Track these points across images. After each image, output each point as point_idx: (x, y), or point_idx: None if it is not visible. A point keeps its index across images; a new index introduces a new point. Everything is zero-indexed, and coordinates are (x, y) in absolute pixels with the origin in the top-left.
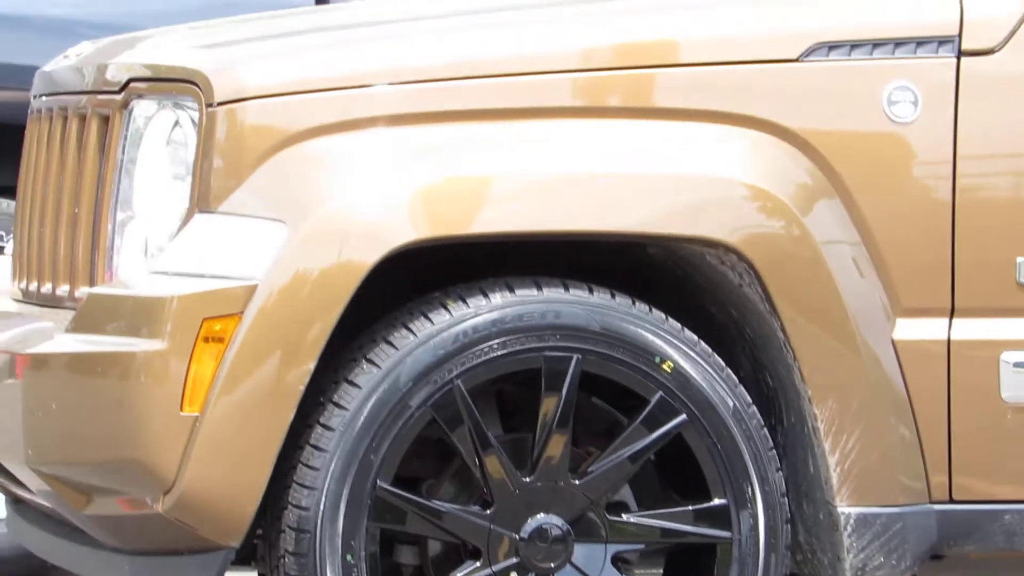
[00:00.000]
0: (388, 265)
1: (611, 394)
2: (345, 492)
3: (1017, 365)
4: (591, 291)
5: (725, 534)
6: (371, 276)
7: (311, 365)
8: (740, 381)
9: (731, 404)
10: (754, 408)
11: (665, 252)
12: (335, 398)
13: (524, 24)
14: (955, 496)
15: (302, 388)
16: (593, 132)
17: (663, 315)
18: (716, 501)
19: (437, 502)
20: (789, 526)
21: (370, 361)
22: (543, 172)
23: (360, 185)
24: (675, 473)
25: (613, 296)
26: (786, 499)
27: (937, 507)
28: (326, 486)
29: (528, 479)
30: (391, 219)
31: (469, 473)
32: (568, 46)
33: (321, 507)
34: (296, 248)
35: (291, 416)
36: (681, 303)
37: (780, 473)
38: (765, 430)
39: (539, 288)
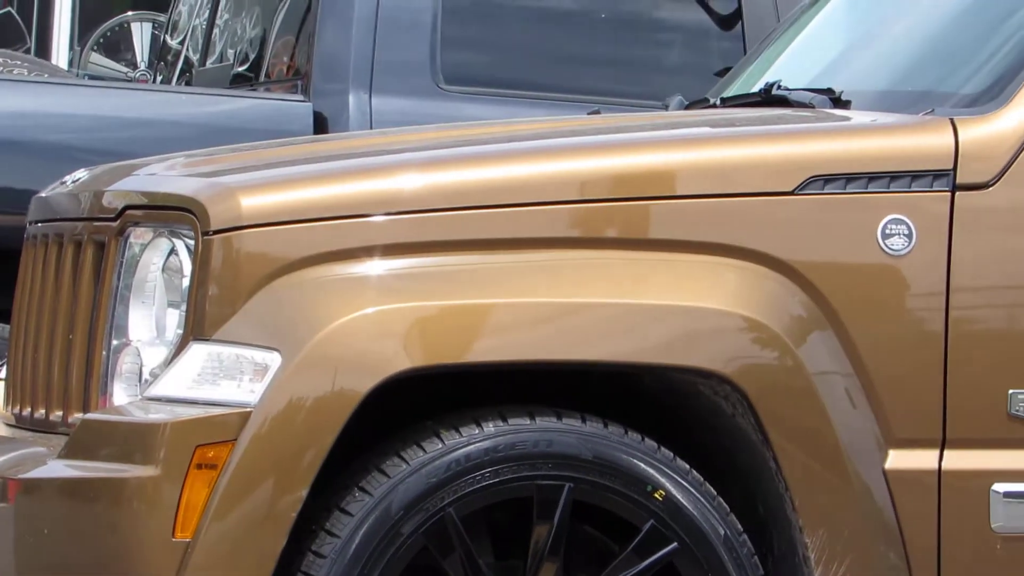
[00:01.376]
0: (382, 392)
1: (603, 522)
2: None
3: (1008, 495)
4: (584, 420)
5: None
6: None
7: (304, 492)
8: (731, 509)
9: (722, 532)
10: (745, 536)
11: (659, 381)
12: (327, 526)
13: (519, 155)
14: None
15: (295, 515)
16: (588, 262)
17: (655, 444)
18: None
19: None
20: None
21: (362, 489)
22: (538, 301)
23: (355, 313)
24: None
25: (606, 425)
26: None
27: None
28: None
29: None
30: (385, 347)
31: None
32: (564, 176)
33: None
34: (290, 376)
35: (283, 542)
36: (674, 432)
37: None
38: (756, 558)
39: (532, 417)
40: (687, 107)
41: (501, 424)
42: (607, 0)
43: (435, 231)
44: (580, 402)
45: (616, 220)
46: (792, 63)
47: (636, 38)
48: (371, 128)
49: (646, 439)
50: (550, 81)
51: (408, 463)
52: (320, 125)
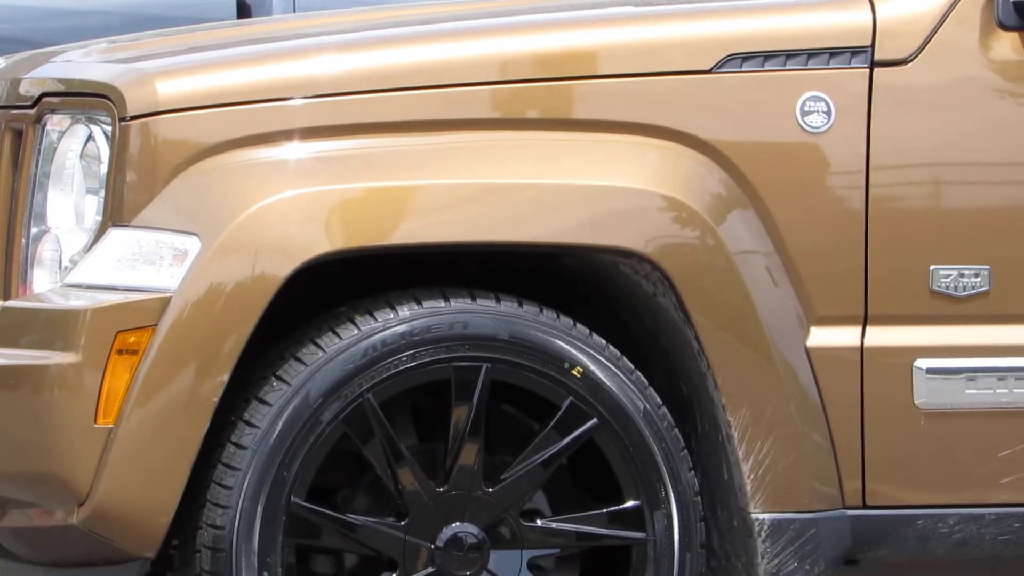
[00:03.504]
0: (307, 278)
1: (526, 401)
2: (259, 509)
3: (930, 372)
4: (498, 300)
5: (639, 535)
6: (290, 290)
7: (225, 377)
8: (656, 391)
9: (641, 406)
10: (664, 409)
11: (580, 262)
12: (246, 416)
13: (439, 36)
14: (869, 501)
15: (216, 400)
16: (509, 143)
17: (571, 321)
18: (629, 503)
19: (351, 515)
20: (703, 524)
21: (280, 378)
22: (458, 183)
23: (273, 197)
24: (590, 477)
25: (520, 304)
26: (699, 498)
27: (851, 512)
28: (240, 504)
29: (442, 489)
30: (305, 231)
31: (385, 484)
32: (484, 58)
33: (236, 525)
34: (209, 260)
35: (205, 428)
36: (596, 313)
37: (693, 473)
38: (676, 431)
39: (446, 299)
40: None
41: (416, 307)
42: None
43: (354, 114)
44: (502, 285)
45: (536, 101)
46: None
47: None
48: (294, 13)
49: (562, 316)
50: None
51: (324, 350)
52: (244, 11)
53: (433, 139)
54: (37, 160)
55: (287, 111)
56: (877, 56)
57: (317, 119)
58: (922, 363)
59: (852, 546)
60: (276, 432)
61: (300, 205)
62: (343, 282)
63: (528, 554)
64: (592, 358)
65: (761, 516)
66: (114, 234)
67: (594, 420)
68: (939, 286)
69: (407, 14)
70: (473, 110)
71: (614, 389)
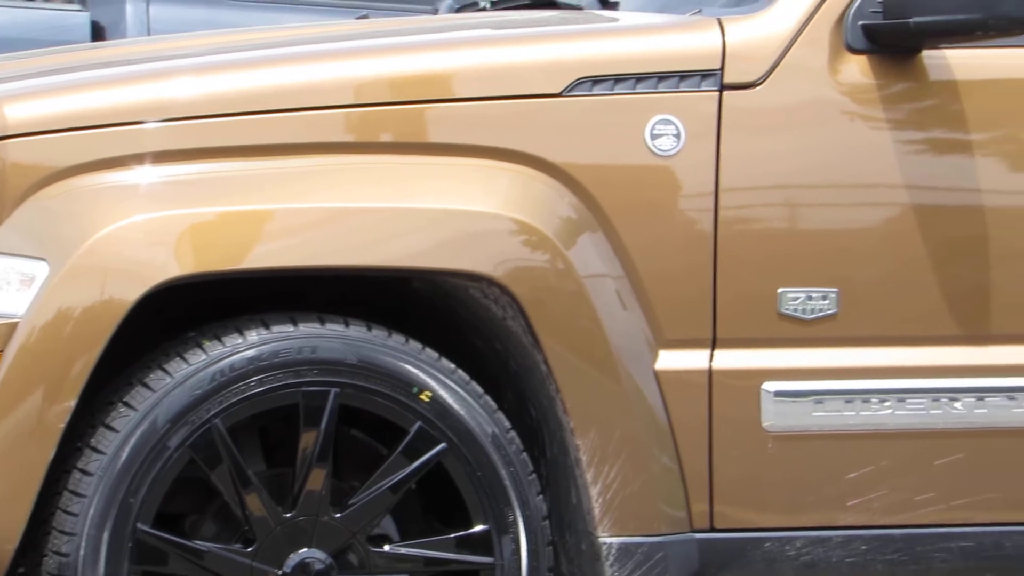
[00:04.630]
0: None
1: (377, 426)
2: (105, 536)
3: (778, 394)
4: (347, 324)
5: (487, 559)
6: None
7: (72, 403)
8: (506, 414)
9: (490, 431)
10: (514, 433)
11: (430, 286)
12: (93, 443)
13: (290, 60)
14: (716, 524)
15: (63, 426)
16: (361, 167)
17: (420, 345)
18: (478, 527)
19: (198, 542)
20: (551, 549)
21: (127, 404)
22: (308, 207)
23: (124, 222)
24: (440, 501)
25: (369, 328)
26: (548, 523)
27: (699, 535)
28: (86, 531)
29: (289, 514)
30: (154, 255)
31: (232, 510)
32: (336, 81)
33: (81, 553)
34: (57, 285)
35: (51, 454)
36: (447, 337)
37: (541, 497)
38: (525, 455)
39: (295, 324)
40: (457, 10)
41: (264, 332)
42: None
43: (205, 138)
44: (356, 309)
45: (387, 124)
46: None
47: None
48: (148, 36)
49: (410, 341)
50: None
51: (172, 376)
52: (98, 34)
53: (285, 163)
54: None
55: (138, 135)
56: (726, 79)
57: (168, 143)
58: (770, 386)
59: (700, 569)
60: (122, 459)
61: (150, 229)
62: (204, 305)
63: None
64: (441, 382)
65: (609, 540)
66: None
67: (442, 444)
68: (787, 309)
69: (261, 37)
70: (325, 134)
71: (463, 413)
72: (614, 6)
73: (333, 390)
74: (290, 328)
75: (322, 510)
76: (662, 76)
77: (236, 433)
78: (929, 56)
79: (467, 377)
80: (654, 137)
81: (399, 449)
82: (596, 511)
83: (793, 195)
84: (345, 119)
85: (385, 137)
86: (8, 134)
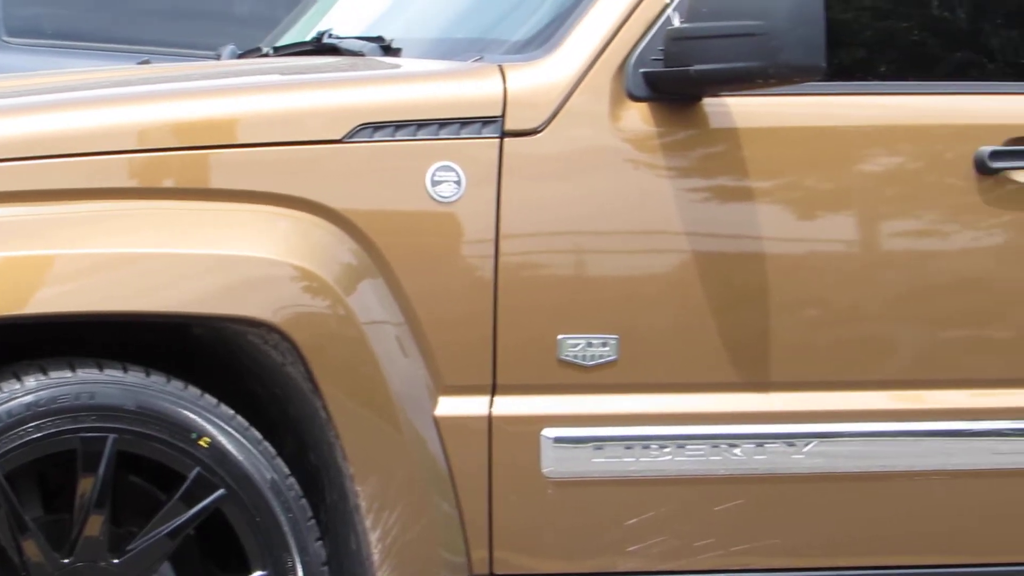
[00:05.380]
0: None
1: (159, 472)
2: None
3: (557, 440)
4: (125, 370)
5: None
6: None
7: None
8: (286, 460)
9: (269, 476)
10: (293, 479)
11: (211, 332)
12: None
13: (74, 104)
14: (496, 570)
15: None
16: (142, 213)
17: (199, 392)
18: (256, 573)
19: None
20: None
21: None
22: (88, 253)
23: None
24: (220, 547)
25: (148, 375)
26: (327, 568)
27: None
28: None
29: (67, 560)
30: None
31: (9, 556)
32: (117, 127)
33: None
34: None
35: None
36: (229, 384)
37: (320, 543)
38: (304, 501)
39: (73, 369)
40: (239, 56)
41: (42, 377)
42: None
43: None
44: (146, 355)
45: (169, 170)
46: (347, 12)
47: None
48: None
49: (189, 387)
50: (114, 33)
51: None
52: None
53: (66, 208)
54: None
55: None
56: (508, 126)
57: None
58: (550, 432)
59: None
60: None
61: None
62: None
63: None
64: (220, 428)
65: None
66: None
67: (221, 490)
68: (567, 355)
69: (42, 82)
70: (107, 179)
71: (241, 459)
72: (396, 52)
73: (111, 436)
74: (68, 374)
75: (100, 556)
76: (443, 123)
77: (14, 478)
78: (710, 104)
79: (246, 423)
80: (435, 184)
81: (177, 495)
82: (375, 557)
83: (573, 242)
84: (128, 164)
85: (167, 183)
86: None
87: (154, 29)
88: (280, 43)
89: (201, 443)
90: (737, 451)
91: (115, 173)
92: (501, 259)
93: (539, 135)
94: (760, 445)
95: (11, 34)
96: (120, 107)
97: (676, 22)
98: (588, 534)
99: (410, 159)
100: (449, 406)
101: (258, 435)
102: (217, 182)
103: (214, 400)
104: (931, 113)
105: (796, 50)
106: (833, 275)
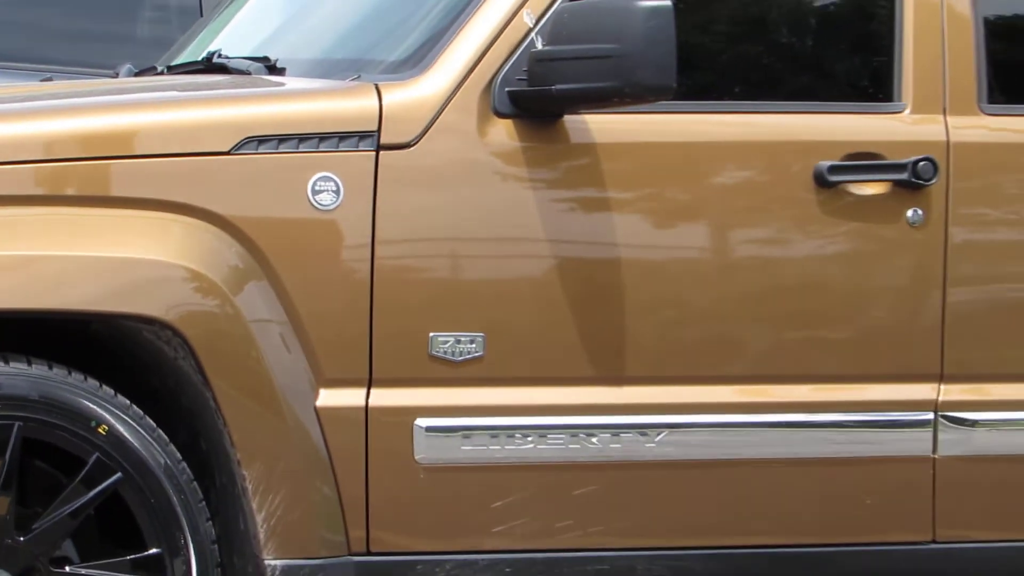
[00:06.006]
0: None
1: (64, 458)
2: None
3: (429, 430)
4: (30, 363)
5: None
6: None
7: None
8: (179, 447)
9: (163, 461)
10: (184, 464)
11: (109, 329)
12: None
13: None
14: (373, 548)
15: None
16: (47, 218)
17: (97, 383)
18: (152, 550)
19: None
20: (220, 570)
21: None
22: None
23: None
24: (118, 526)
25: (51, 367)
26: (216, 546)
27: (356, 559)
28: None
29: None
30: None
31: None
32: (24, 137)
33: None
34: None
35: None
36: (127, 377)
37: (211, 523)
38: (196, 484)
39: None
40: (136, 74)
41: None
42: None
43: None
44: (51, 350)
45: (72, 179)
46: (236, 33)
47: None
48: None
49: (88, 379)
50: (17, 53)
51: None
52: None
53: None
54: None
55: None
56: (383, 140)
57: None
58: (422, 422)
59: None
60: None
61: None
62: None
63: None
64: (117, 417)
65: (273, 563)
66: None
67: (118, 474)
68: (438, 351)
69: None
70: (13, 187)
71: (137, 445)
72: (281, 71)
73: (17, 423)
74: None
75: (7, 534)
76: (323, 136)
77: None
78: (571, 120)
79: (141, 412)
80: (315, 193)
81: (78, 478)
82: (261, 536)
83: (444, 247)
84: (34, 173)
85: (69, 190)
86: None
87: (57, 49)
88: (174, 62)
89: (99, 430)
90: (594, 440)
91: (23, 181)
92: (376, 263)
93: (412, 148)
94: (615, 435)
95: None
96: (30, 120)
97: (539, 45)
98: (457, 516)
99: (292, 170)
100: (329, 398)
101: (152, 423)
102: (116, 190)
103: (111, 391)
104: (775, 131)
105: (648, 71)
106: (685, 278)
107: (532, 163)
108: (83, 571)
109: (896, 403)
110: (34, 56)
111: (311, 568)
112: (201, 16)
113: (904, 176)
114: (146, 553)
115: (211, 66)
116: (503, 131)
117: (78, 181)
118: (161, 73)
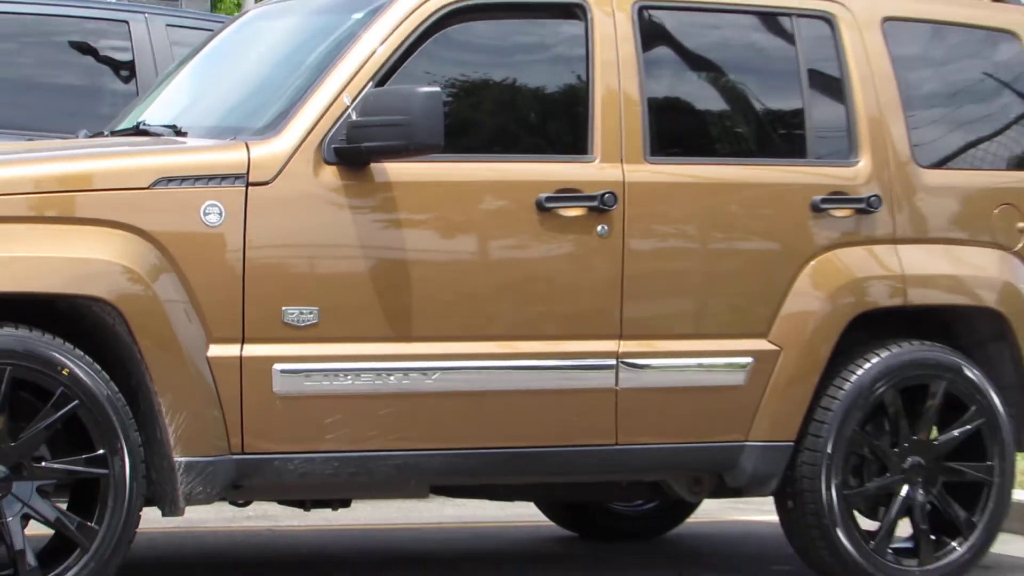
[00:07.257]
0: None
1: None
2: None
3: (283, 372)
4: (16, 327)
5: (104, 471)
6: None
7: None
8: (117, 383)
9: (106, 393)
10: (120, 395)
11: (70, 306)
12: None
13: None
14: (246, 450)
15: None
16: (28, 231)
17: (62, 340)
18: (99, 451)
19: None
20: (145, 465)
21: None
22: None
23: None
24: (78, 436)
25: (31, 330)
26: (142, 449)
27: (235, 456)
28: None
29: None
30: None
31: None
32: (21, 178)
33: None
34: None
35: None
36: (83, 337)
37: (138, 433)
38: (128, 407)
39: None
40: (91, 136)
41: None
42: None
43: None
44: (37, 321)
45: (44, 205)
46: (157, 108)
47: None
48: None
49: (56, 338)
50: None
51: None
52: None
53: None
54: None
55: None
56: (251, 179)
57: None
58: (278, 366)
59: (236, 476)
60: None
61: None
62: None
63: (36, 483)
64: (75, 363)
65: (180, 459)
66: None
67: (76, 401)
68: (288, 320)
69: None
70: (12, 211)
71: (88, 383)
72: (184, 134)
73: (8, 368)
74: None
75: (2, 440)
76: (210, 177)
77: None
78: (376, 167)
79: (91, 360)
80: (206, 214)
81: (49, 404)
82: (172, 441)
83: (292, 251)
84: (25, 201)
85: (47, 213)
86: None
87: (36, 119)
88: (116, 128)
89: (64, 372)
90: (391, 378)
91: (14, 207)
92: (247, 262)
93: (269, 185)
94: (406, 374)
95: None
96: (24, 166)
97: (354, 116)
98: (302, 428)
99: (190, 199)
100: (216, 350)
101: (99, 367)
102: (76, 213)
103: (72, 346)
104: (510, 173)
105: (424, 134)
106: (455, 273)
107: (350, 195)
108: (54, 465)
109: (592, 352)
110: (20, 124)
111: (205, 463)
112: (137, 96)
113: (595, 204)
114: (95, 453)
115: (139, 131)
116: (330, 174)
117: (49, 207)
118: (107, 136)
